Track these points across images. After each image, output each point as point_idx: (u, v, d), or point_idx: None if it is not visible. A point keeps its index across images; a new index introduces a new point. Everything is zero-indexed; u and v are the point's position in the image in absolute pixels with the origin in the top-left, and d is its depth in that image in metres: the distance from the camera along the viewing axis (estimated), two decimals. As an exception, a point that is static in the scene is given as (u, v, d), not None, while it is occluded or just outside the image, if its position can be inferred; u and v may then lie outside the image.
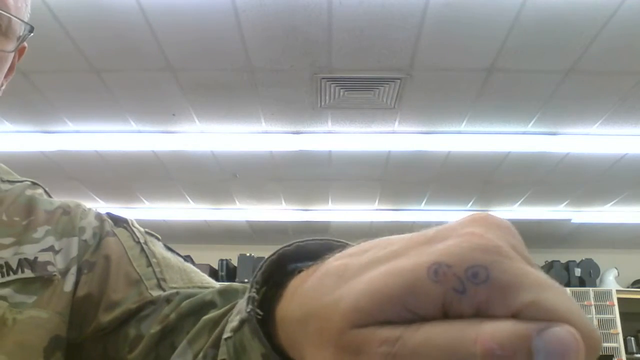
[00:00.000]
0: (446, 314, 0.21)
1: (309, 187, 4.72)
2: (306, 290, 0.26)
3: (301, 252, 0.32)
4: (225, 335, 0.35)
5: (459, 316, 0.20)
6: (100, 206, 4.99)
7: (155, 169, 4.31)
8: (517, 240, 0.23)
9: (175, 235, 5.83)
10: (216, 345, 0.41)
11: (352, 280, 0.22)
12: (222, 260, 5.75)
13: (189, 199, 5.03)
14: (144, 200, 5.08)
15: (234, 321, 0.34)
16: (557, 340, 0.19)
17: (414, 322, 0.20)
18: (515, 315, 0.20)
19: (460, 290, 0.20)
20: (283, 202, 5.07)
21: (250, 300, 0.32)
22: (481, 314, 0.20)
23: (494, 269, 0.20)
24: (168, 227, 5.57)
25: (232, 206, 5.18)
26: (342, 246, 0.28)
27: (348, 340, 0.21)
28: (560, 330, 0.19)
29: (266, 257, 0.33)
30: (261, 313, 0.32)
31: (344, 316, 0.22)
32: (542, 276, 0.21)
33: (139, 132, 3.66)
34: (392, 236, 0.24)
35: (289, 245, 0.33)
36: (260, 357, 0.31)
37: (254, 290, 0.32)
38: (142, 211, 5.15)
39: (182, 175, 4.45)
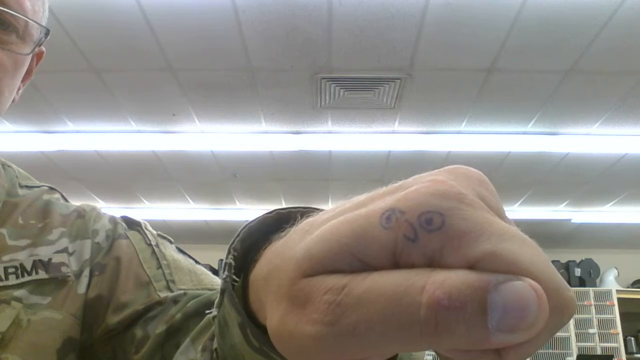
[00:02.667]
0: (398, 265, 0.19)
1: (309, 187, 4.72)
2: (274, 248, 0.25)
3: (283, 219, 0.31)
4: (213, 314, 0.34)
5: (412, 266, 0.19)
6: (100, 206, 4.98)
7: (155, 169, 4.31)
8: (489, 191, 0.21)
9: (175, 235, 5.77)
10: (214, 337, 0.41)
11: (314, 232, 0.21)
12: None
13: (189, 199, 5.03)
14: (144, 200, 5.08)
15: (218, 296, 0.33)
16: (515, 295, 0.17)
17: (365, 272, 0.19)
18: (472, 267, 0.18)
19: (411, 238, 0.19)
20: (283, 202, 5.07)
21: (227, 267, 0.31)
22: (435, 264, 0.18)
23: (450, 215, 0.18)
24: (168, 227, 5.57)
25: (232, 206, 5.18)
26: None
27: (298, 289, 0.20)
28: (520, 285, 0.17)
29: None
30: (237, 279, 0.30)
31: (295, 265, 0.20)
32: (507, 226, 0.19)
33: (139, 132, 3.66)
34: None
35: (269, 213, 0.32)
36: (238, 328, 0.29)
37: (230, 257, 0.31)
38: (142, 211, 5.15)
39: (182, 175, 4.45)
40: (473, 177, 0.21)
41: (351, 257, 0.19)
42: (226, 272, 0.30)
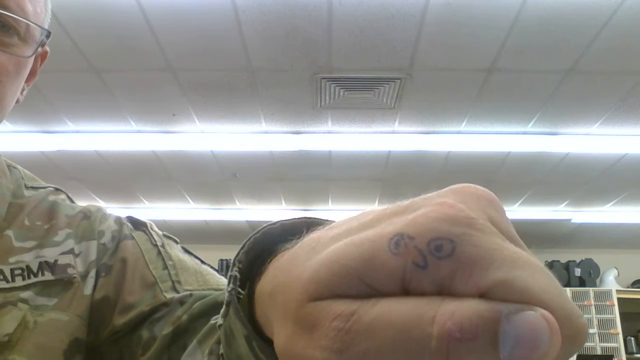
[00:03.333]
0: (407, 291, 0.19)
1: (309, 187, 4.72)
2: (280, 263, 0.25)
3: (287, 230, 0.31)
4: (218, 322, 0.34)
5: (421, 294, 0.18)
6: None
7: (155, 169, 4.31)
8: (499, 213, 0.21)
9: (175, 235, 5.79)
10: (220, 341, 0.41)
11: (321, 251, 0.21)
12: (222, 260, 5.75)
13: (189, 199, 5.03)
14: (144, 200, 5.08)
15: (223, 307, 0.33)
16: (527, 325, 0.17)
17: (373, 297, 0.19)
18: (483, 295, 0.17)
19: (421, 265, 0.18)
20: (283, 202, 5.07)
21: (232, 279, 0.30)
22: (445, 292, 0.18)
23: (461, 242, 0.18)
24: (168, 227, 5.57)
25: (232, 206, 5.18)
26: (328, 224, 0.27)
27: (305, 313, 0.20)
28: (532, 315, 0.17)
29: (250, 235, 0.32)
30: (242, 292, 0.30)
31: (302, 288, 0.20)
32: (519, 252, 0.19)
33: (139, 132, 3.66)
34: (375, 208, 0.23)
35: (273, 224, 0.32)
36: (244, 340, 0.29)
37: (235, 269, 0.31)
38: (142, 211, 5.15)
39: (182, 175, 4.45)
40: (482, 198, 0.21)
41: (359, 281, 0.19)
42: (231, 285, 0.30)
